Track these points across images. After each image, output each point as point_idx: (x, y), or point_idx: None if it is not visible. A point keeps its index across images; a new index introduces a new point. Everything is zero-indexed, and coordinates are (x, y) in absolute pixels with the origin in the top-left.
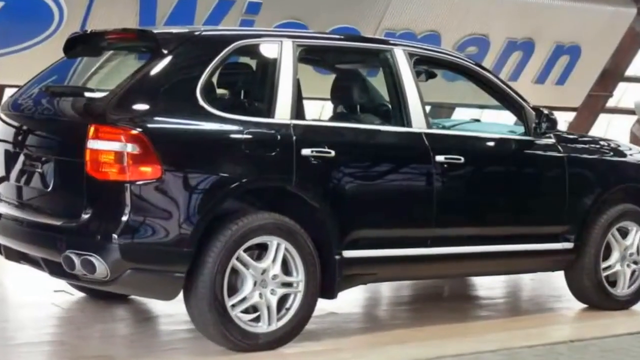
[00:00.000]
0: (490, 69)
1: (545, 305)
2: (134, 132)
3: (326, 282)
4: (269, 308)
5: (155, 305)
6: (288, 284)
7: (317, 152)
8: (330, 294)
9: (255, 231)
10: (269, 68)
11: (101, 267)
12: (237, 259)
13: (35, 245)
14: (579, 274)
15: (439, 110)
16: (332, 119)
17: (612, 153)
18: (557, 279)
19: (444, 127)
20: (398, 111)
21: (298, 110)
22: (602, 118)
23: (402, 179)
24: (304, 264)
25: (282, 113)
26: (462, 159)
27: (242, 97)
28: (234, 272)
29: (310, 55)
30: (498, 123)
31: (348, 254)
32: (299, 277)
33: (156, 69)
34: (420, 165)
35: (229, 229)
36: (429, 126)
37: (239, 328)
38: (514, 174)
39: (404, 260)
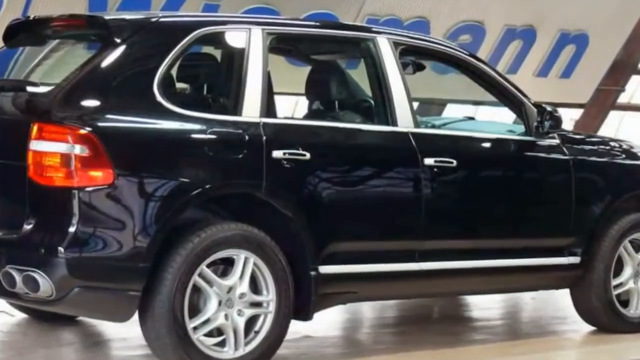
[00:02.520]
0: (486, 61)
1: (549, 328)
2: (82, 131)
3: (300, 302)
4: (235, 331)
5: (107, 328)
6: (257, 304)
7: (290, 154)
8: (305, 315)
9: (220, 244)
10: (236, 59)
11: (45, 284)
12: (200, 275)
13: None
14: (586, 293)
15: (428, 107)
16: (307, 117)
17: (624, 155)
18: (561, 298)
19: (433, 126)
20: (382, 108)
21: (268, 107)
22: (613, 115)
23: (386, 184)
24: (275, 281)
25: (251, 110)
26: (455, 162)
27: (205, 92)
28: (196, 290)
29: (282, 45)
30: (495, 121)
31: (325, 269)
32: (269, 296)
33: (108, 60)
34: (406, 169)
35: (190, 241)
36: (417, 125)
37: (202, 353)
38: (513, 179)
39: (388, 277)
